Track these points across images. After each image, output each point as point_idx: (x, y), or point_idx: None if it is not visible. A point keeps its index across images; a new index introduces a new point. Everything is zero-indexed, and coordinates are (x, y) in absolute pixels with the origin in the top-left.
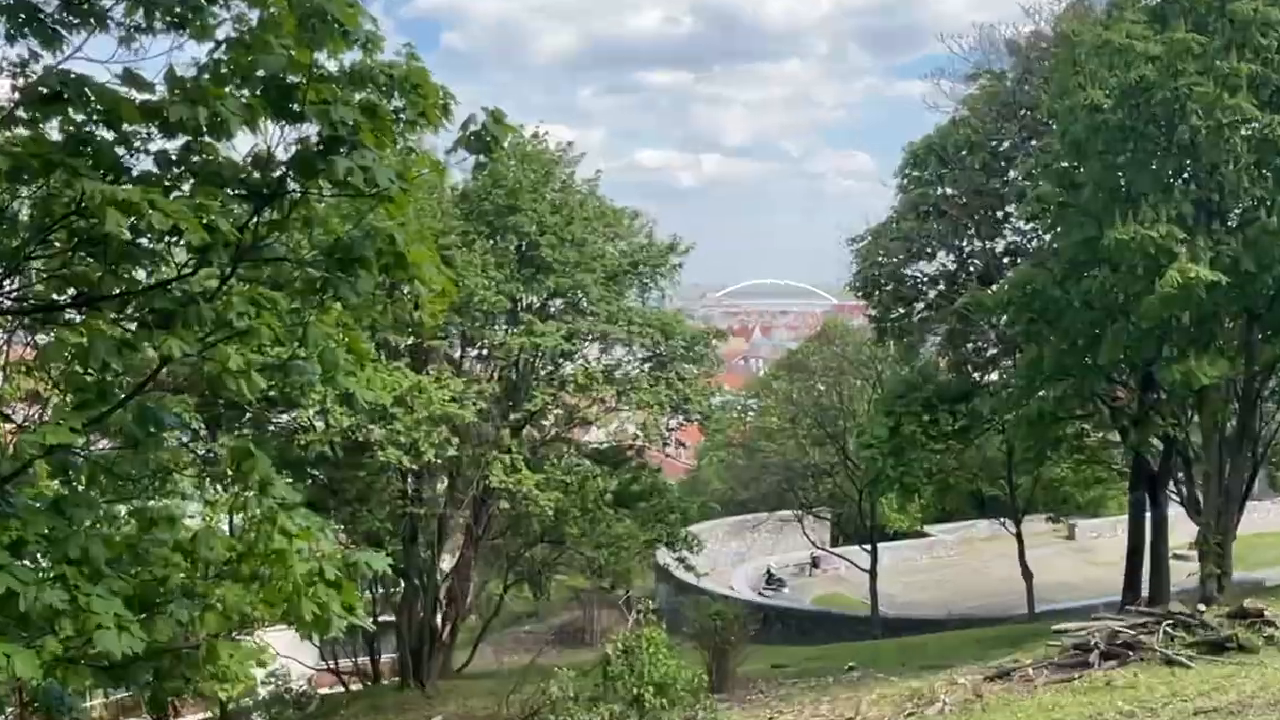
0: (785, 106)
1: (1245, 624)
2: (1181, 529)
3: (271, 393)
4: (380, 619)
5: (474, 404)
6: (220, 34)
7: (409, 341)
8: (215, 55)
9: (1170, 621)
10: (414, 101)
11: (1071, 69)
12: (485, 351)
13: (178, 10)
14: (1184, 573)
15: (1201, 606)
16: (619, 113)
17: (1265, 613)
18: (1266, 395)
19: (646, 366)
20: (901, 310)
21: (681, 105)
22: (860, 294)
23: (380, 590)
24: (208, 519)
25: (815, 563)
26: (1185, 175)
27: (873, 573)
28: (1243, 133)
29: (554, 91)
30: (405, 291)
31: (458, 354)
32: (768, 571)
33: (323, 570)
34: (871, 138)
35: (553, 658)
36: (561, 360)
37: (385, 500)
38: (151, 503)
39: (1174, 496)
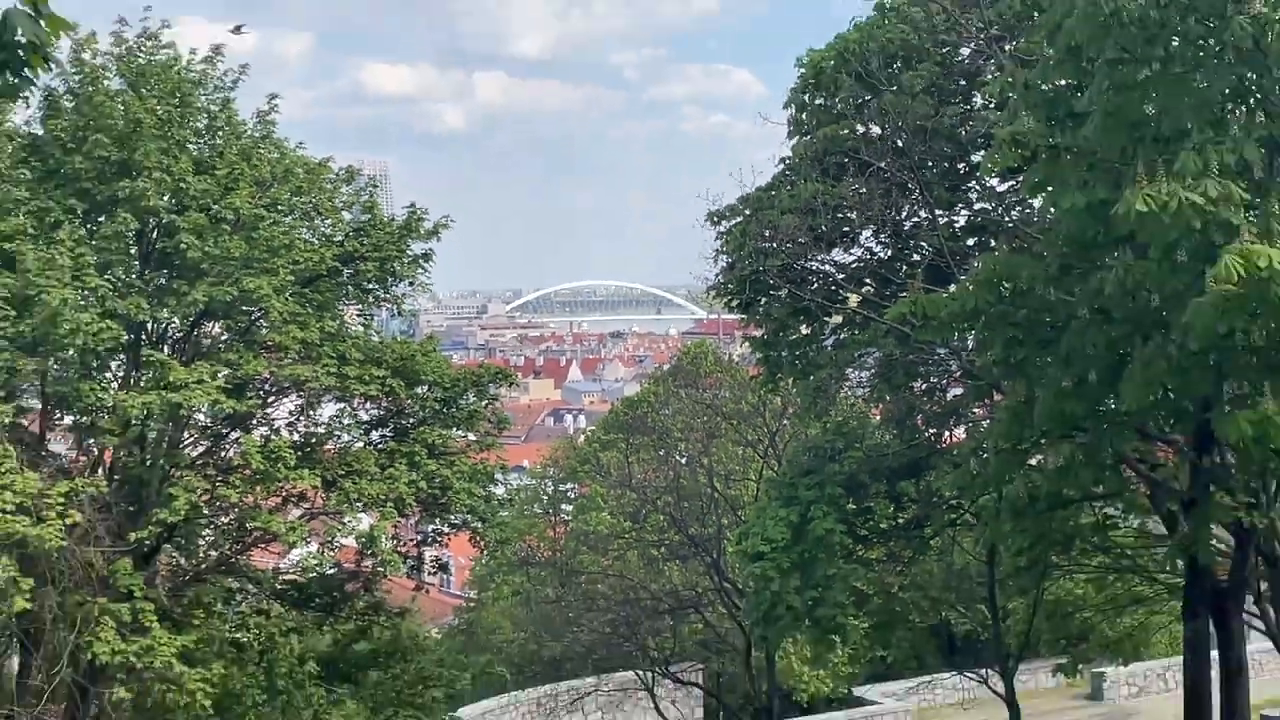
0: None
1: None
2: (1272, 674)
3: None
4: None
5: (63, 515)
6: None
7: None
8: None
9: None
10: None
11: None
12: (85, 420)
13: None
14: None
15: None
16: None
17: None
18: None
19: (376, 435)
20: (805, 330)
21: None
22: (734, 304)
23: None
24: None
25: None
26: (1250, 97)
27: None
28: None
29: None
30: None
31: (35, 425)
32: None
33: None
34: (759, 45)
35: None
36: (225, 430)
37: None
38: None
39: (1256, 623)
